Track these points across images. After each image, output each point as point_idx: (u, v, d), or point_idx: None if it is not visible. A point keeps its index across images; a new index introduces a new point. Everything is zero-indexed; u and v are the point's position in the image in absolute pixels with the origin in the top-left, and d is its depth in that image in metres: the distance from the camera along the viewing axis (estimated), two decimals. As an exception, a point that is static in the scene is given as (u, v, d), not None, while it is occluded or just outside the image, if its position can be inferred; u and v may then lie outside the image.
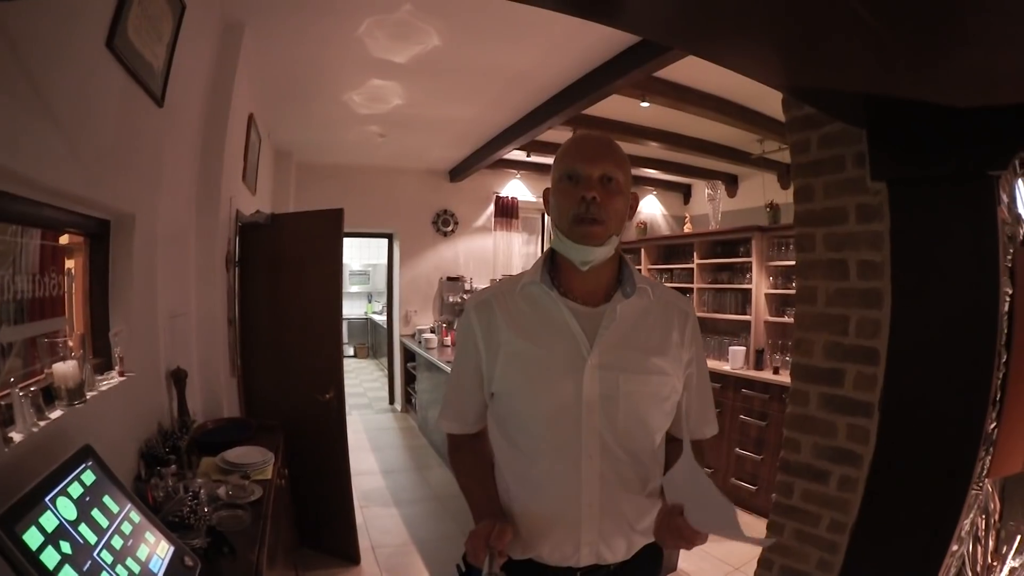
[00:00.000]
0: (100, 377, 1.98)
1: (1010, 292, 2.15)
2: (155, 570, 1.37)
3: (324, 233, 3.71)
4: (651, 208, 8.78)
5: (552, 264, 1.38)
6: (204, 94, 3.07)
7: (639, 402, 1.29)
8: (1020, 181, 2.83)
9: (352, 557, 3.82)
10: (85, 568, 1.16)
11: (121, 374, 2.07)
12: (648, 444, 1.33)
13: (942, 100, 1.61)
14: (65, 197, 1.73)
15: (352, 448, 6.10)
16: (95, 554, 1.22)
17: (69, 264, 2.00)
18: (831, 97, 1.88)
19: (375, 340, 12.85)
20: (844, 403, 2.15)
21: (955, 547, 2.12)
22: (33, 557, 1.06)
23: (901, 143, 1.90)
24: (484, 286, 7.48)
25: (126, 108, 2.00)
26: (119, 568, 1.26)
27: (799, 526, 2.26)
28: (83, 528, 1.24)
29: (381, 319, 10.60)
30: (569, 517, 1.28)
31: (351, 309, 13.53)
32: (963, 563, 2.30)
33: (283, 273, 3.82)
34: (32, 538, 1.09)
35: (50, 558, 1.10)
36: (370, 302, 13.67)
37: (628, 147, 5.93)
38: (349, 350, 13.38)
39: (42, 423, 1.51)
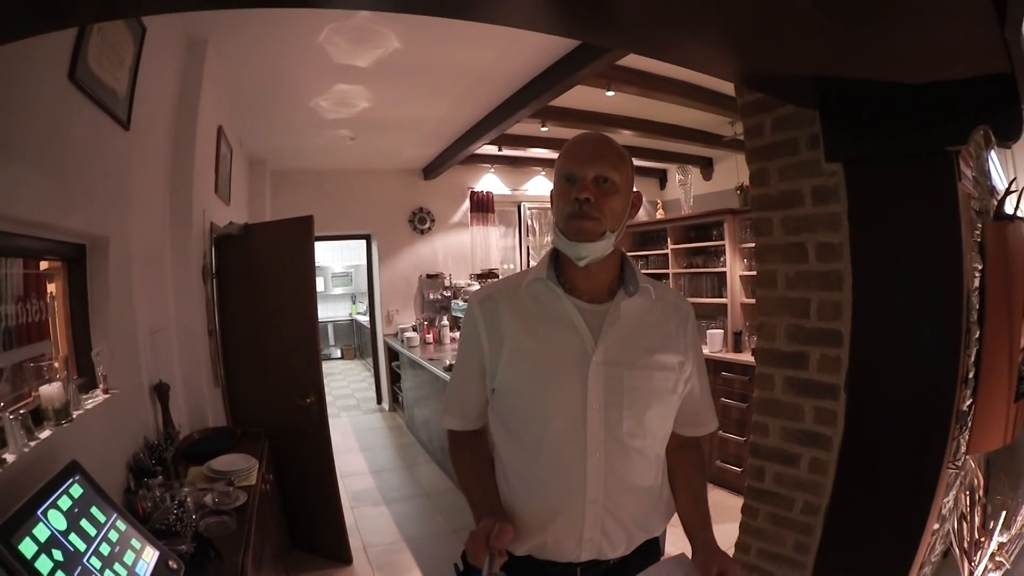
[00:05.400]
0: (85, 396, 2.04)
1: (980, 267, 2.07)
2: (141, 574, 1.47)
3: (296, 240, 3.79)
4: (626, 195, 8.83)
5: (556, 262, 1.40)
6: (171, 111, 3.12)
7: (643, 398, 1.31)
8: (994, 153, 2.83)
9: (344, 557, 3.90)
10: (76, 573, 1.26)
11: (105, 391, 2.14)
12: (652, 439, 1.36)
13: (893, 78, 1.61)
14: (38, 227, 1.80)
15: (341, 450, 6.23)
16: (85, 560, 1.32)
17: (51, 288, 2.06)
18: (782, 82, 1.87)
19: (361, 341, 12.86)
20: (809, 386, 2.15)
21: (936, 525, 2.08)
22: (28, 564, 1.15)
23: (855, 123, 1.90)
24: (464, 282, 7.56)
25: (92, 136, 2.06)
26: (107, 572, 1.35)
27: (773, 509, 2.28)
28: (73, 537, 1.33)
29: (366, 320, 10.68)
30: (572, 512, 1.30)
31: (336, 311, 13.49)
32: (950, 540, 2.29)
33: (259, 281, 3.88)
34: (27, 548, 1.18)
35: (44, 565, 1.19)
36: (354, 303, 13.67)
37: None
38: (336, 352, 13.44)
39: (32, 443, 1.58)
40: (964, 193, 1.93)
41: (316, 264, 11.98)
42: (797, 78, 1.79)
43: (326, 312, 13.27)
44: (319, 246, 13.41)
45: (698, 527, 1.38)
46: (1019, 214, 2.56)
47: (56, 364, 1.84)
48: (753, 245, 5.07)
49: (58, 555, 1.25)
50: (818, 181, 2.07)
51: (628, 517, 1.34)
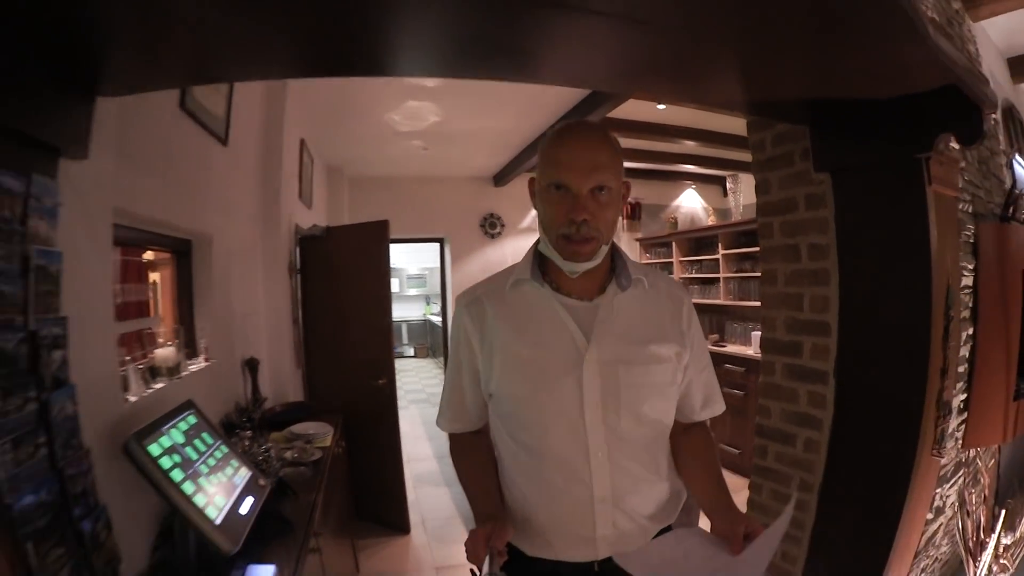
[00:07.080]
0: (190, 362, 2.48)
1: (971, 266, 2.29)
2: (237, 484, 1.89)
3: (372, 242, 4.22)
4: (691, 202, 8.99)
5: (541, 258, 1.34)
6: (260, 128, 3.61)
7: (641, 392, 1.28)
8: (1017, 155, 2.94)
9: (403, 528, 4.25)
10: (189, 472, 1.68)
11: (206, 360, 2.58)
12: (654, 432, 1.34)
13: (863, 94, 1.83)
14: (158, 224, 2.25)
15: (409, 437, 6.61)
16: (196, 465, 1.75)
17: (156, 276, 2.52)
18: (780, 106, 2.14)
19: (433, 340, 13.27)
20: (803, 372, 2.35)
21: (930, 515, 2.22)
22: (154, 460, 1.58)
23: (840, 137, 2.10)
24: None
25: (199, 152, 2.53)
26: (212, 477, 1.78)
27: (775, 486, 2.46)
28: (188, 449, 1.77)
29: (439, 320, 11.07)
30: (583, 513, 1.28)
31: (410, 311, 13.90)
32: (955, 537, 2.42)
33: (338, 278, 4.31)
34: (155, 449, 1.60)
35: (166, 462, 1.61)
36: (428, 304, 14.13)
37: (663, 145, 6.17)
38: (409, 351, 13.87)
39: (149, 391, 2.00)
40: (945, 196, 2.12)
41: (391, 265, 12.25)
42: (789, 102, 2.05)
43: (400, 312, 13.75)
44: (393, 248, 13.78)
45: (715, 494, 1.33)
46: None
47: (168, 333, 2.29)
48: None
49: (176, 458, 1.67)
50: (810, 189, 2.30)
51: (638, 511, 1.32)
